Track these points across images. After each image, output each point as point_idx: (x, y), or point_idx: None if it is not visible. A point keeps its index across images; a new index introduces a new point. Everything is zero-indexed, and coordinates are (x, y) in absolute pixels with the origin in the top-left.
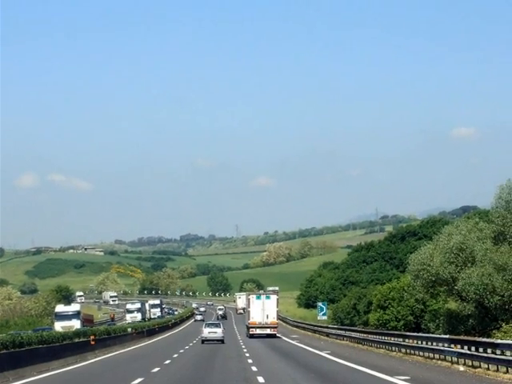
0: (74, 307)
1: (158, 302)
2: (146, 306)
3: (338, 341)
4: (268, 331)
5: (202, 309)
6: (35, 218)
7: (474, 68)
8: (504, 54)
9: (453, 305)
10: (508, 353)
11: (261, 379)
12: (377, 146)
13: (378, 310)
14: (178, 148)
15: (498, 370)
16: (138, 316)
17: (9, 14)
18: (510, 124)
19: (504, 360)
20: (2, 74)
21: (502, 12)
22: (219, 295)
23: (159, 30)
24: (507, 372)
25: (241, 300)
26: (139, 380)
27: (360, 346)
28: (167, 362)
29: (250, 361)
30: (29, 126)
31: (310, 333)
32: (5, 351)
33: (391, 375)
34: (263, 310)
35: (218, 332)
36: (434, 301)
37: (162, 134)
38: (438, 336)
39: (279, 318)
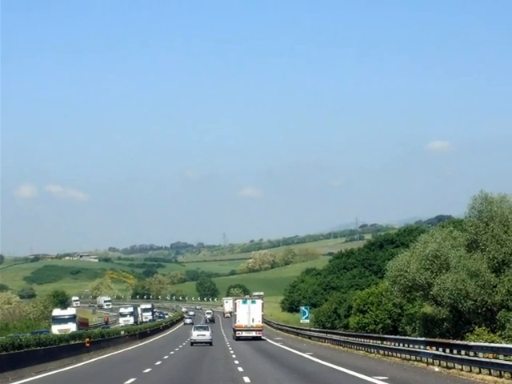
0: (70, 311)
1: (149, 306)
2: (138, 310)
3: (320, 343)
4: (253, 334)
5: (191, 313)
6: (33, 227)
7: (449, 85)
8: (477, 72)
9: (428, 309)
10: (480, 354)
11: (247, 379)
12: (357, 158)
13: (358, 313)
14: (168, 160)
15: (471, 371)
16: (131, 319)
17: (9, 34)
18: (482, 138)
19: (477, 361)
20: (3, 90)
21: (475, 32)
22: (207, 300)
23: (150, 50)
24: (480, 372)
25: (228, 304)
26: (132, 380)
27: (341, 347)
28: (158, 363)
29: (236, 362)
30: (27, 139)
31: (293, 335)
32: (4, 353)
33: (370, 375)
34: (249, 313)
35: (206, 335)
36: (411, 305)
37: (153, 147)
38: (415, 338)
39: (264, 321)
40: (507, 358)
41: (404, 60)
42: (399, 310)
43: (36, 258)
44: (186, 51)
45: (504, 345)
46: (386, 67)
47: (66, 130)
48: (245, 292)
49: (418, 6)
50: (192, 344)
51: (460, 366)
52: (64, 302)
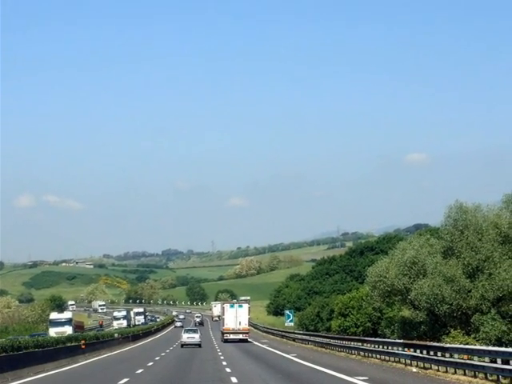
0: (67, 315)
1: (141, 310)
2: (131, 313)
3: (304, 345)
4: (241, 336)
5: (182, 316)
6: (32, 235)
7: (426, 101)
8: (451, 89)
9: (406, 312)
10: (456, 355)
11: (234, 379)
12: (339, 170)
13: (340, 317)
14: (159, 172)
15: (447, 371)
16: (124, 323)
17: (8, 52)
18: (457, 151)
19: (452, 362)
20: (3, 105)
21: (450, 51)
22: (197, 304)
23: (142, 67)
24: (455, 373)
25: (216, 308)
26: (125, 380)
27: (323, 349)
28: (150, 363)
29: (224, 363)
30: (26, 152)
31: (278, 338)
32: (4, 354)
33: (351, 376)
34: (236, 317)
35: (195, 337)
36: (390, 309)
37: (145, 159)
38: (393, 341)
39: (251, 324)
40: (481, 360)
41: (383, 77)
42: (379, 314)
43: (34, 265)
44: (176, 69)
45: (478, 347)
46: (366, 84)
47: (62, 143)
48: (232, 297)
49: (395, 26)
50: (182, 346)
51: (436, 367)
52: (61, 306)
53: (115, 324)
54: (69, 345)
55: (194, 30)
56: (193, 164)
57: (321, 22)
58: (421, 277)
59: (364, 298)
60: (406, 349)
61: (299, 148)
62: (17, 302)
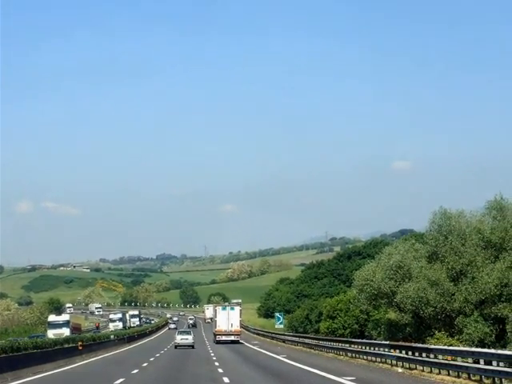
0: (65, 317)
1: (137, 312)
2: (127, 316)
3: (293, 346)
4: (232, 338)
5: (175, 318)
6: (30, 240)
7: (410, 110)
8: (434, 100)
9: (392, 315)
10: (440, 356)
11: (226, 379)
12: (327, 176)
13: (328, 319)
14: (154, 179)
15: (431, 372)
16: (120, 325)
17: (8, 62)
18: (440, 158)
19: (436, 363)
20: (3, 114)
21: (432, 62)
22: (190, 307)
23: (136, 79)
24: (439, 373)
25: (209, 311)
26: (121, 380)
27: (312, 350)
28: (145, 364)
29: (216, 363)
30: (25, 159)
31: (268, 339)
32: (4, 355)
33: (339, 376)
34: (228, 319)
35: (189, 339)
36: (376, 311)
37: (140, 166)
38: (380, 342)
39: (242, 326)
40: (464, 360)
41: (370, 89)
42: (366, 316)
43: (33, 269)
44: (169, 80)
45: (461, 348)
46: (353, 94)
47: (60, 152)
48: (224, 299)
49: (381, 35)
50: (176, 347)
51: (421, 368)
52: (59, 309)
53: (111, 326)
54: (66, 346)
55: (186, 42)
56: (186, 171)
57: (308, 32)
58: (406, 280)
59: (351, 300)
60: (391, 350)
61: (288, 155)
62: (16, 304)
